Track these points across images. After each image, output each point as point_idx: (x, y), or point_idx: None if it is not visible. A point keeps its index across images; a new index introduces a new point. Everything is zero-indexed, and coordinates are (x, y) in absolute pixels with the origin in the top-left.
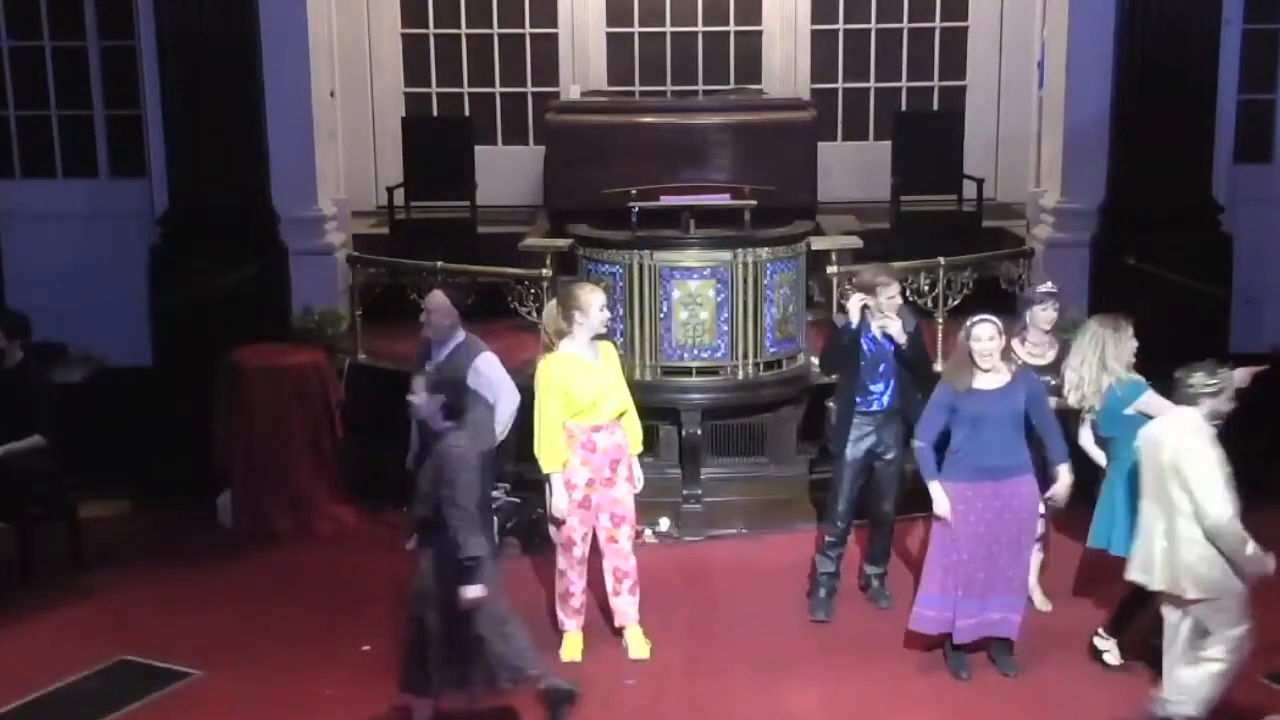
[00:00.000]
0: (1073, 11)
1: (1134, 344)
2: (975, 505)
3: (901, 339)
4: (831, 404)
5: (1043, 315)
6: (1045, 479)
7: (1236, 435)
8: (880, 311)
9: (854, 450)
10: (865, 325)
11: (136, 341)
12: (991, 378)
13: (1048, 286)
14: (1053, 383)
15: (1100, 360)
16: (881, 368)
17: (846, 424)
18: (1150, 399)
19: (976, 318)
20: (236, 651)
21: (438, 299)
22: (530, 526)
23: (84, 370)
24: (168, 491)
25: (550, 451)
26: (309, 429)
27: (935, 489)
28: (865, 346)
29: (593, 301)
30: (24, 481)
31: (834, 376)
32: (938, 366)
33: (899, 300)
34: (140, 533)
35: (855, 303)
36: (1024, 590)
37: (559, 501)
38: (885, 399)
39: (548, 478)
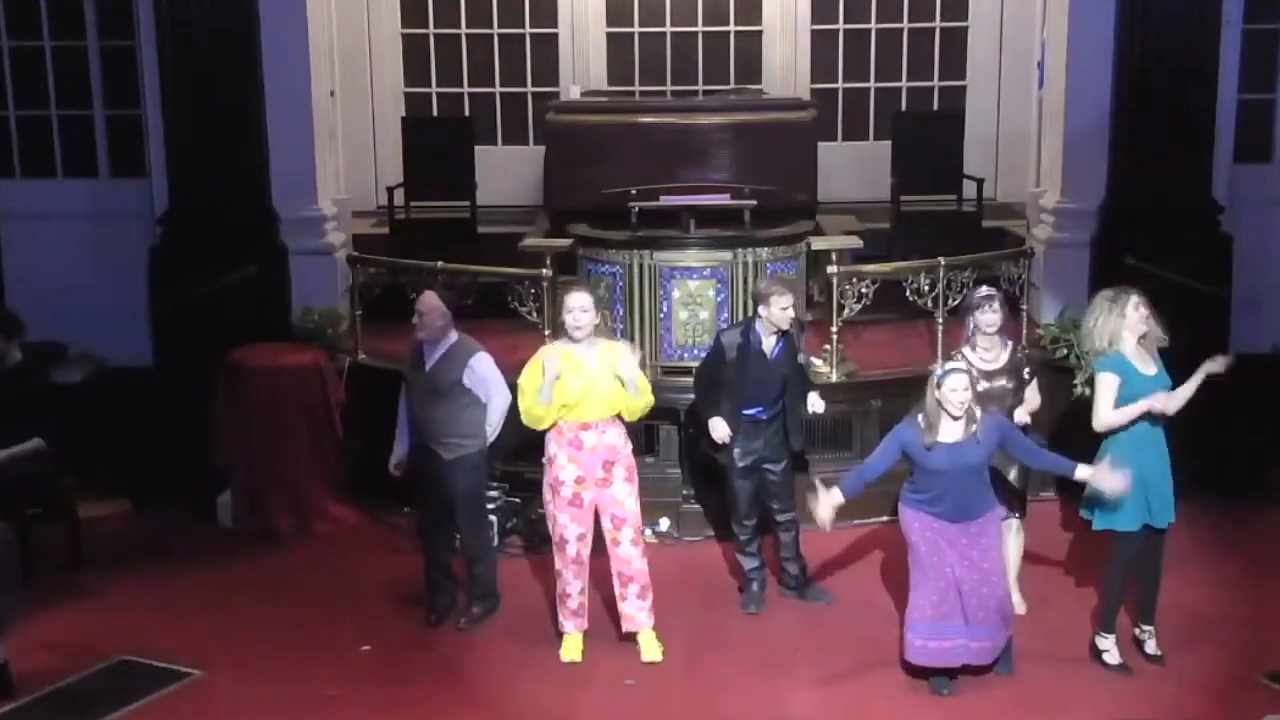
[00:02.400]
0: (1073, 11)
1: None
2: (938, 541)
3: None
4: (719, 418)
5: (984, 318)
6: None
7: (1237, 435)
8: (772, 322)
9: (744, 457)
10: (757, 338)
11: (136, 341)
12: (959, 427)
13: (985, 290)
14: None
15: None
16: (769, 379)
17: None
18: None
19: (948, 366)
20: (236, 651)
21: (430, 300)
22: (530, 526)
23: (84, 370)
24: (168, 491)
25: (537, 415)
26: (309, 429)
27: (833, 492)
28: (760, 363)
29: (568, 302)
30: (23, 482)
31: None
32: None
33: (792, 313)
34: (140, 533)
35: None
36: (1007, 616)
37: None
38: (771, 409)
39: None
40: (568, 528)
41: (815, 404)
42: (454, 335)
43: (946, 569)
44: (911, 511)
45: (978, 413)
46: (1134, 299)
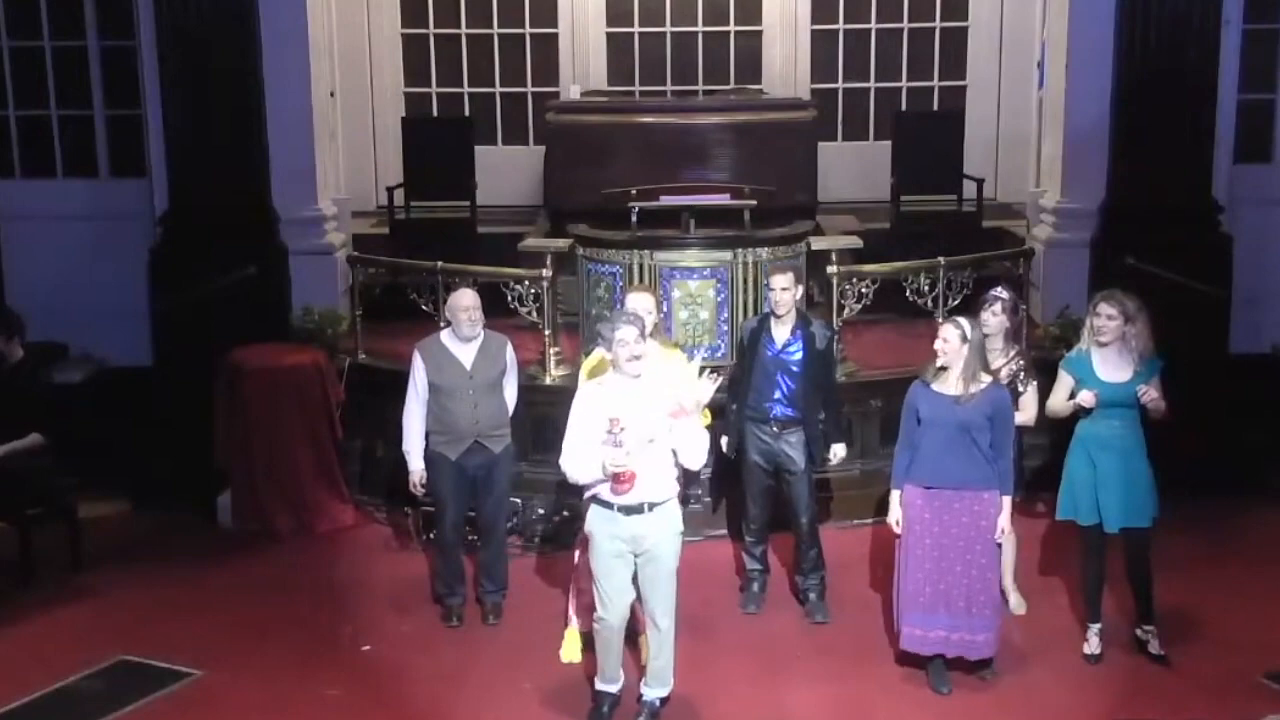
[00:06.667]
0: (1073, 11)
1: (1094, 320)
2: (924, 515)
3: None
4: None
5: (983, 316)
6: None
7: (1235, 435)
8: (776, 306)
9: (755, 455)
10: (767, 329)
11: (136, 341)
12: (954, 382)
13: (995, 291)
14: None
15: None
16: (779, 376)
17: (740, 428)
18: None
19: (955, 317)
20: (236, 651)
21: (474, 297)
22: (531, 526)
23: (84, 370)
24: (168, 491)
25: None
26: (309, 429)
27: (892, 497)
28: (767, 352)
29: (628, 303)
30: (24, 481)
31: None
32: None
33: (791, 295)
34: (140, 533)
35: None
36: (992, 613)
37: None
38: (783, 408)
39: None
40: None
41: (837, 454)
42: (480, 330)
43: (919, 550)
44: (906, 489)
45: (984, 379)
46: (1099, 304)
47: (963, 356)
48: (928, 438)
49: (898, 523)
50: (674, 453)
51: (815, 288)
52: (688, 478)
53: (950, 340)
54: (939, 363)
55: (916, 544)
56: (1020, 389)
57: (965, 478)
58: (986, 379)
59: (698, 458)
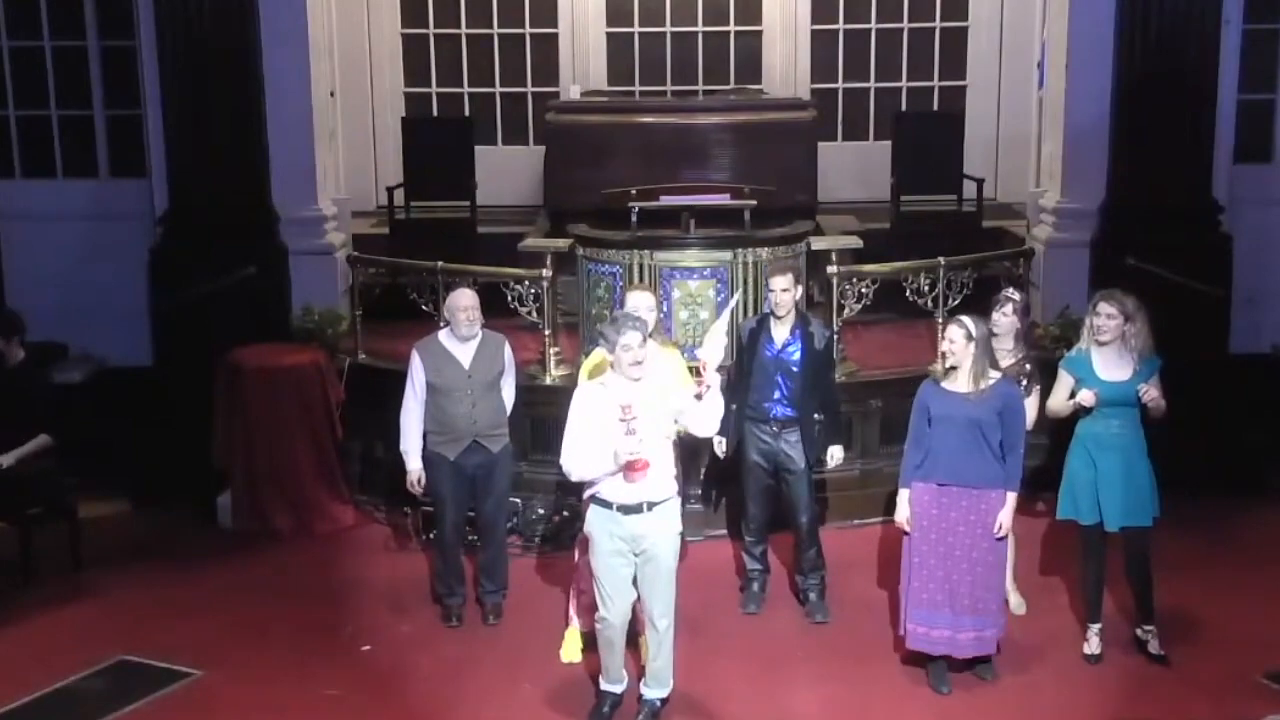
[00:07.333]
0: (1073, 11)
1: (1095, 320)
2: (932, 511)
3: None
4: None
5: (993, 316)
6: None
7: (1236, 434)
8: (775, 306)
9: (754, 455)
10: (767, 329)
11: (136, 341)
12: (963, 380)
13: (1006, 291)
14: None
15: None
16: (778, 376)
17: (740, 428)
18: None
19: (959, 316)
20: (236, 651)
21: (473, 297)
22: (531, 526)
23: (84, 370)
24: (168, 491)
25: None
26: (309, 429)
27: (900, 496)
28: (766, 352)
29: (629, 301)
30: (24, 481)
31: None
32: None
33: (790, 295)
34: (140, 533)
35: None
36: (996, 610)
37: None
38: (782, 408)
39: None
40: None
41: (834, 456)
42: (479, 329)
43: (924, 548)
44: (916, 486)
45: (993, 375)
46: (1099, 303)
47: (970, 355)
48: (939, 435)
49: (908, 521)
50: (678, 438)
51: (815, 288)
52: (687, 477)
53: (956, 340)
54: (948, 363)
55: (922, 540)
56: (1023, 392)
57: (978, 477)
58: (995, 375)
59: (711, 424)
